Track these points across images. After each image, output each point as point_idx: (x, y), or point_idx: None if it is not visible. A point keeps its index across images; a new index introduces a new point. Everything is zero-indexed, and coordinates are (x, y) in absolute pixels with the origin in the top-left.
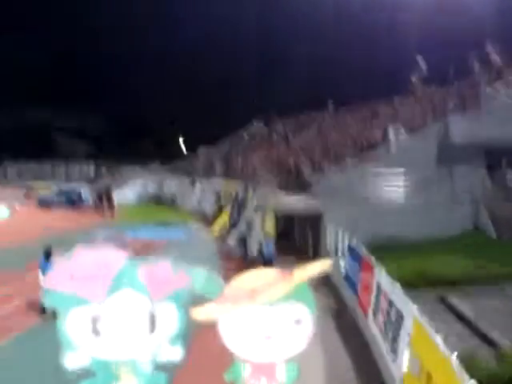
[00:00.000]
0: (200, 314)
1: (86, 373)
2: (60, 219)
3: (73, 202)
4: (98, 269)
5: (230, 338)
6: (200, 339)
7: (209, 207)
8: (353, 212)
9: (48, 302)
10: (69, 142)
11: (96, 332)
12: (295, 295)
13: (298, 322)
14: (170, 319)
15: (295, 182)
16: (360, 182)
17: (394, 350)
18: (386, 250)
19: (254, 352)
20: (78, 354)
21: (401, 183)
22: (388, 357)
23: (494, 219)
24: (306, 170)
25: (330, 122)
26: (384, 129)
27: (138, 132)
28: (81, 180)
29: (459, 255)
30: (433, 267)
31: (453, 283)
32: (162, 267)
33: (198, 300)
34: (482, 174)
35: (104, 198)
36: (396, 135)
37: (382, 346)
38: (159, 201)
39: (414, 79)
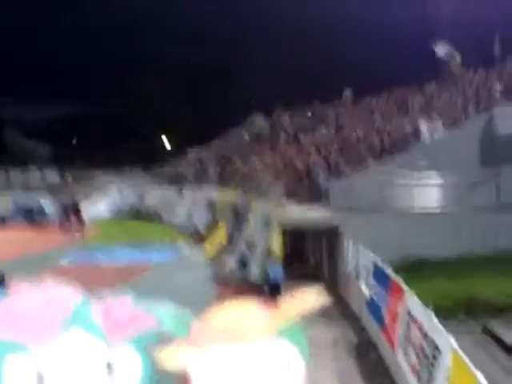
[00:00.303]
0: (167, 359)
1: None
2: (16, 240)
3: (32, 217)
4: (43, 309)
5: None
6: None
7: (201, 222)
8: (377, 225)
9: None
10: (26, 144)
11: None
12: (282, 334)
13: (286, 364)
14: (132, 367)
15: (307, 189)
16: (386, 188)
17: None
18: (418, 271)
19: None
20: None
21: (436, 188)
22: None
23: None
24: (321, 174)
25: (349, 114)
26: (415, 122)
27: (115, 131)
28: (42, 190)
29: (506, 276)
30: (474, 291)
31: (499, 310)
32: (122, 305)
33: (164, 344)
34: None
35: (71, 213)
36: (430, 129)
37: None
38: (140, 215)
39: (451, 61)
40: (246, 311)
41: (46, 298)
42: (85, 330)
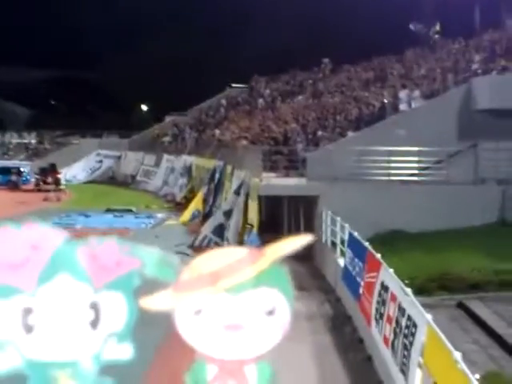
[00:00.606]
0: (152, 303)
1: (18, 377)
2: None
3: (10, 181)
4: (28, 251)
5: (190, 331)
6: (154, 334)
7: (178, 189)
8: (354, 195)
9: None
10: (5, 106)
11: (28, 328)
12: (267, 278)
13: (270, 311)
14: (117, 311)
15: (285, 158)
16: (365, 159)
17: (404, 367)
18: (393, 244)
19: (219, 348)
20: (6, 353)
21: (413, 160)
22: (396, 375)
23: None
24: (298, 142)
25: (327, 83)
26: (393, 91)
27: (93, 97)
28: (20, 154)
29: (481, 251)
30: (449, 266)
31: (473, 286)
32: (107, 248)
33: (149, 287)
34: None
35: (49, 177)
36: (408, 99)
37: (388, 361)
38: (116, 181)
39: (430, 30)
40: (231, 256)
41: (31, 240)
42: (71, 274)
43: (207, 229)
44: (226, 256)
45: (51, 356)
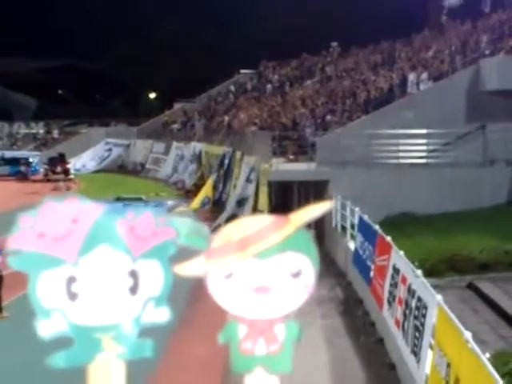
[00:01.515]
0: (185, 269)
1: (65, 341)
2: (2, 194)
3: (19, 172)
4: (70, 224)
5: (221, 294)
6: (189, 298)
7: (187, 176)
8: (364, 179)
9: (15, 265)
10: (12, 96)
11: (72, 295)
12: (293, 243)
13: (296, 273)
14: (154, 278)
15: (294, 143)
16: (374, 142)
17: (416, 348)
18: (403, 227)
19: (249, 309)
20: (53, 319)
21: (422, 143)
22: (408, 357)
23: None
24: (308, 128)
25: (335, 67)
26: (402, 74)
27: (100, 85)
28: (29, 145)
29: (490, 232)
30: (459, 248)
31: (483, 266)
32: (143, 220)
33: (183, 254)
34: None
35: (58, 167)
36: (416, 81)
37: (400, 343)
38: (126, 169)
39: (440, 12)
40: (258, 223)
41: (72, 214)
42: (110, 244)
43: (221, 219)
44: (254, 223)
45: (94, 320)
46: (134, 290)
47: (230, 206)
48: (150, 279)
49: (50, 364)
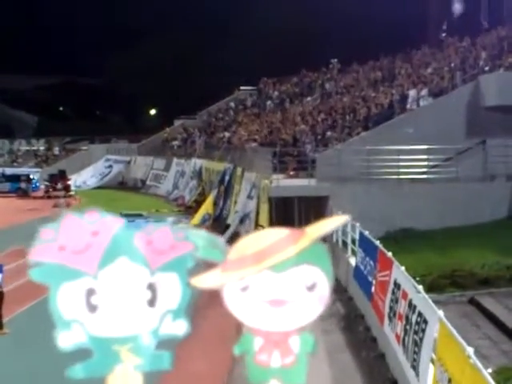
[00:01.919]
0: (202, 282)
1: (83, 352)
2: (3, 211)
3: (20, 188)
4: (90, 237)
5: (237, 306)
6: (204, 310)
7: (188, 192)
8: (364, 195)
9: (36, 277)
10: (13, 114)
11: (91, 307)
12: (308, 257)
13: (311, 286)
14: (172, 290)
15: (294, 159)
16: (374, 158)
17: (415, 363)
18: (404, 242)
19: (264, 321)
20: (72, 332)
21: (422, 159)
22: (408, 372)
23: None
24: (308, 144)
25: (335, 84)
26: (402, 90)
27: (101, 102)
28: (30, 161)
29: (490, 247)
30: (460, 264)
31: (484, 281)
32: (161, 233)
33: (200, 267)
34: None
35: (59, 184)
36: (416, 98)
37: (400, 358)
38: (126, 186)
39: (439, 29)
40: (273, 236)
41: (92, 227)
42: (129, 257)
43: (225, 237)
44: (270, 236)
45: (113, 332)
46: (152, 302)
47: (234, 223)
48: (168, 292)
49: (69, 375)
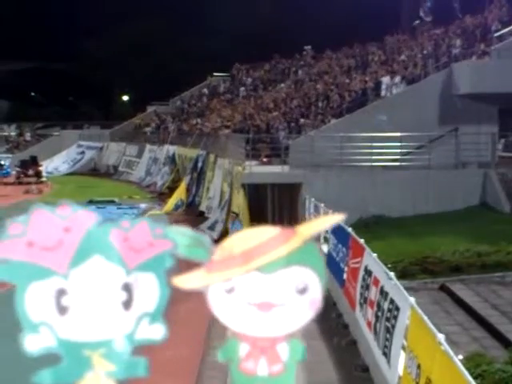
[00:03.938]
0: (185, 282)
1: (52, 358)
2: None
3: None
4: (61, 233)
5: (222, 309)
6: (176, 293)
7: (161, 179)
8: (337, 181)
9: (1, 275)
10: None
11: (61, 309)
12: (299, 257)
13: (302, 289)
14: (150, 292)
15: (267, 146)
16: (347, 145)
17: (386, 350)
18: (376, 229)
19: (251, 326)
20: (40, 335)
21: (395, 146)
22: (380, 358)
23: (508, 190)
24: (281, 131)
25: (309, 70)
26: (375, 77)
27: (73, 88)
28: (0, 147)
29: (462, 234)
30: (431, 250)
31: (455, 269)
32: (139, 229)
33: (181, 266)
34: (494, 133)
35: (30, 170)
36: (389, 85)
37: (372, 345)
38: (98, 172)
39: (413, 16)
40: (262, 235)
41: (64, 222)
42: (103, 255)
43: (205, 225)
44: (258, 235)
45: (85, 336)
46: (127, 304)
47: (214, 211)
48: (144, 293)
49: (35, 382)
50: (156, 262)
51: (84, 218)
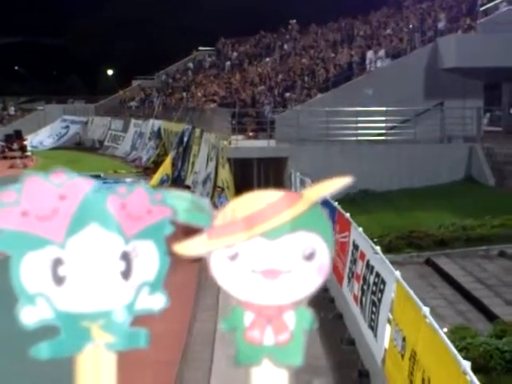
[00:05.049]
0: (186, 249)
1: (49, 329)
2: None
3: None
4: (57, 201)
5: (225, 277)
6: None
7: (146, 153)
8: (324, 156)
9: None
10: None
11: (58, 279)
12: (305, 222)
13: (309, 255)
14: (149, 260)
15: (253, 120)
16: (333, 120)
17: (373, 323)
18: (362, 203)
19: (256, 294)
20: (37, 307)
21: (380, 120)
22: (366, 331)
23: (492, 164)
24: (267, 105)
25: (294, 45)
26: (360, 51)
27: (57, 62)
28: None
29: (449, 210)
30: (417, 225)
31: (441, 242)
32: (137, 196)
33: (181, 232)
34: (479, 108)
35: (15, 144)
36: (375, 60)
37: (358, 318)
38: (83, 147)
39: None
40: (266, 199)
41: (59, 189)
42: (100, 224)
43: None
44: (262, 199)
45: (83, 307)
46: (126, 274)
47: (198, 186)
48: (144, 262)
49: (33, 354)
50: (155, 230)
51: (80, 185)
